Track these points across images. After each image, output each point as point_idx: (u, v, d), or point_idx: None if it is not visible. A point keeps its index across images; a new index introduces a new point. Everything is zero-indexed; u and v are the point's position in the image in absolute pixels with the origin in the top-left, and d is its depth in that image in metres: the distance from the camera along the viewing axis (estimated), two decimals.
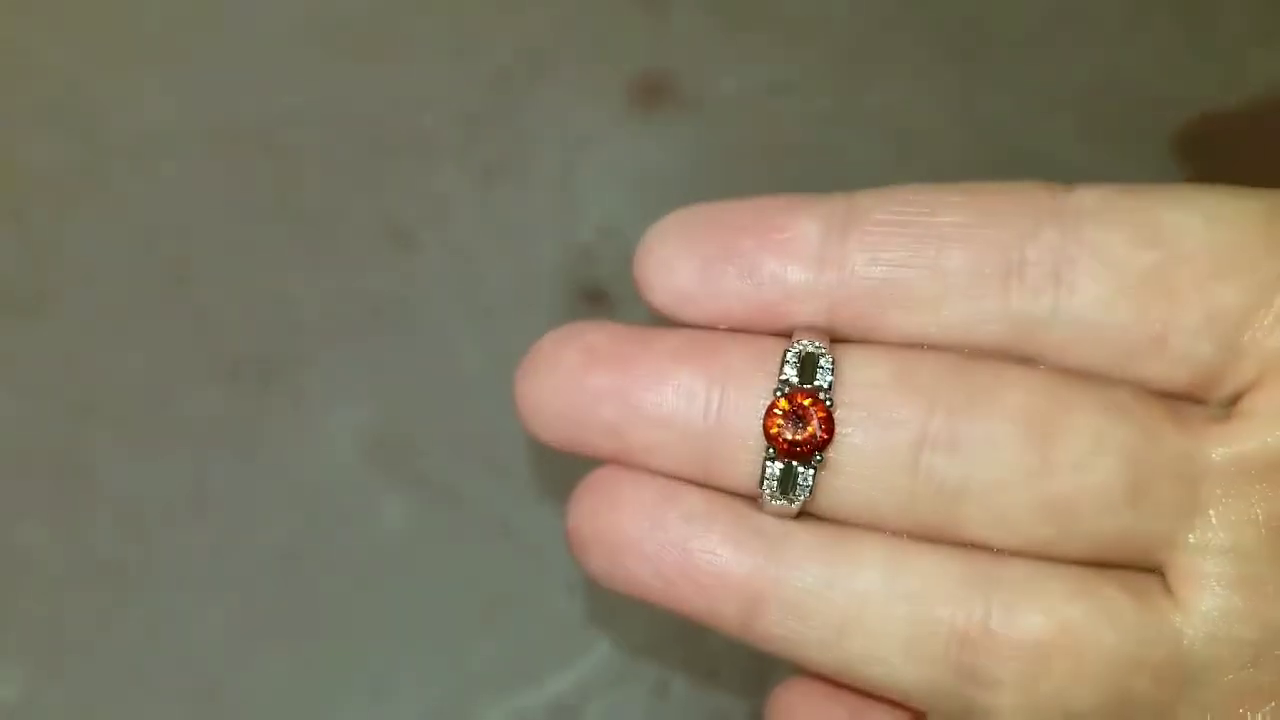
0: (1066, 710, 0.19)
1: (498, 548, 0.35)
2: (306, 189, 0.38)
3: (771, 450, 0.19)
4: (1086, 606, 0.19)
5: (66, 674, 0.33)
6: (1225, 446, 0.19)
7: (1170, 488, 0.19)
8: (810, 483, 0.19)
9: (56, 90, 0.39)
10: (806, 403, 0.19)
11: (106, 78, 0.39)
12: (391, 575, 0.35)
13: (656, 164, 0.39)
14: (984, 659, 0.19)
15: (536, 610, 0.34)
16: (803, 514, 0.20)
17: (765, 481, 0.19)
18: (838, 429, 0.19)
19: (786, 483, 0.19)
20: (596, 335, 0.20)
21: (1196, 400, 0.20)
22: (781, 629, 0.20)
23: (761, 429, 0.19)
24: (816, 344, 0.19)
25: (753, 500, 0.20)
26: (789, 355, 0.19)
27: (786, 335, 0.20)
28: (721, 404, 0.20)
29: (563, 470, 0.35)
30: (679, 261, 0.20)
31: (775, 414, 0.19)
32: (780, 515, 0.20)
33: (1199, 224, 0.19)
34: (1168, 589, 0.19)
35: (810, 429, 0.19)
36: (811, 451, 0.19)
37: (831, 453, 0.19)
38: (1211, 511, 0.19)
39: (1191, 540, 0.19)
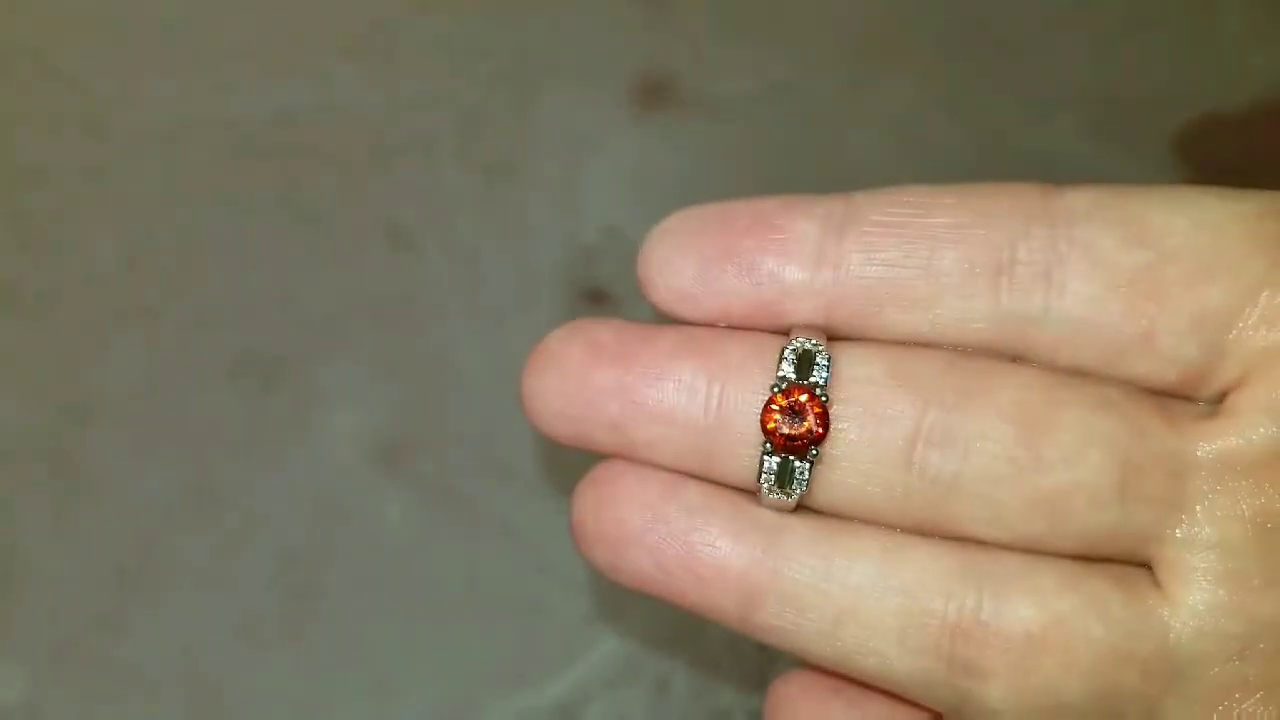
0: (1056, 701, 0.19)
1: (499, 548, 0.35)
2: (307, 189, 0.38)
3: (768, 445, 0.19)
4: (1076, 600, 0.19)
5: (66, 674, 0.33)
6: (1211, 443, 0.19)
7: (1158, 483, 0.19)
8: (806, 477, 0.20)
9: (57, 90, 0.39)
10: (803, 399, 0.19)
11: (106, 78, 0.39)
12: (392, 575, 0.35)
13: (657, 164, 0.39)
14: (975, 651, 0.19)
15: (537, 610, 0.34)
16: (800, 508, 0.20)
17: (763, 476, 0.20)
18: (833, 424, 0.19)
19: (783, 477, 0.20)
20: (601, 332, 0.20)
21: (1185, 398, 0.20)
22: (779, 620, 0.20)
23: (759, 425, 0.19)
24: (813, 341, 0.20)
25: (752, 494, 0.20)
26: (786, 352, 0.20)
27: (785, 333, 0.20)
28: (721, 400, 0.20)
29: (564, 470, 0.35)
30: (680, 261, 0.20)
31: (772, 410, 0.19)
32: (778, 509, 0.20)
33: (1187, 225, 0.19)
34: (1156, 583, 0.20)
35: (806, 425, 0.19)
36: (807, 446, 0.19)
37: (827, 448, 0.20)
38: (1198, 507, 0.19)
39: (1179, 535, 0.19)
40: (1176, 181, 0.38)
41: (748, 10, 0.41)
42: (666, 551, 0.20)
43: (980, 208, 0.20)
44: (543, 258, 0.38)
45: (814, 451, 0.19)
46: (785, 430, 0.19)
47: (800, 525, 0.20)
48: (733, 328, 0.21)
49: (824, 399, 0.19)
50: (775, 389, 0.19)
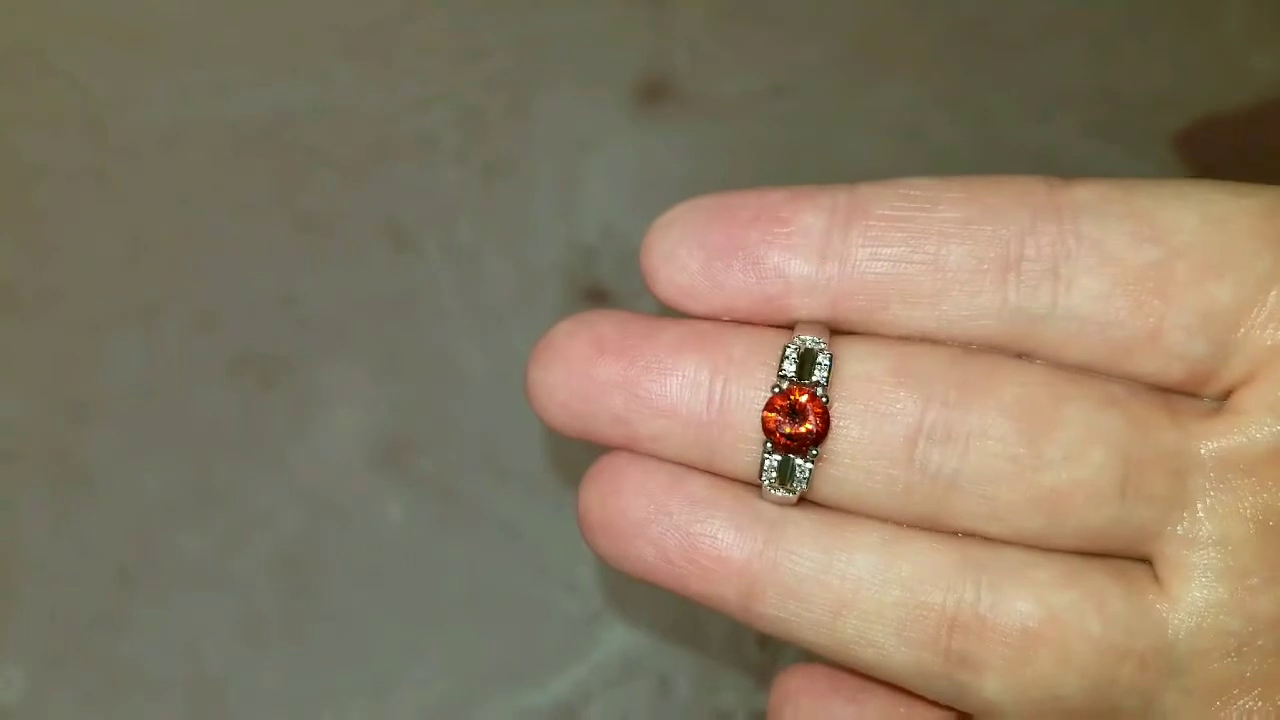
0: (1053, 695, 0.19)
1: (498, 547, 0.35)
2: (307, 189, 0.38)
3: (769, 444, 0.20)
4: (1074, 595, 0.19)
5: (66, 674, 0.33)
6: (1215, 441, 0.19)
7: (1160, 480, 0.19)
8: (807, 474, 0.20)
9: (57, 90, 0.39)
10: (803, 399, 0.19)
11: (107, 78, 0.39)
12: (392, 575, 0.35)
13: (658, 164, 0.39)
14: (973, 644, 0.19)
15: (538, 610, 0.34)
16: (802, 501, 0.20)
17: (764, 473, 0.20)
18: (835, 421, 0.20)
19: (785, 474, 0.20)
20: (606, 325, 0.21)
21: (1191, 395, 0.20)
22: (779, 611, 0.20)
23: (760, 423, 0.20)
24: (816, 339, 0.20)
25: (755, 486, 0.20)
26: (788, 351, 0.20)
27: (789, 327, 0.20)
28: (724, 395, 0.20)
29: (564, 469, 0.35)
30: (684, 254, 0.20)
31: (773, 410, 0.19)
32: (780, 504, 0.20)
33: (1195, 221, 0.19)
34: (1155, 579, 0.20)
35: (807, 424, 0.19)
36: (808, 446, 0.19)
37: (829, 444, 0.20)
38: (1199, 504, 0.19)
39: (1180, 532, 0.19)
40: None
41: (748, 10, 0.41)
42: (670, 542, 0.20)
43: (987, 202, 0.20)
44: (542, 257, 0.38)
45: (814, 451, 0.19)
46: (786, 430, 0.19)
47: (802, 518, 0.20)
48: (737, 322, 0.21)
49: (825, 399, 0.19)
50: (776, 389, 0.19)
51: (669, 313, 0.21)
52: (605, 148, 0.39)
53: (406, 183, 0.38)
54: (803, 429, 0.19)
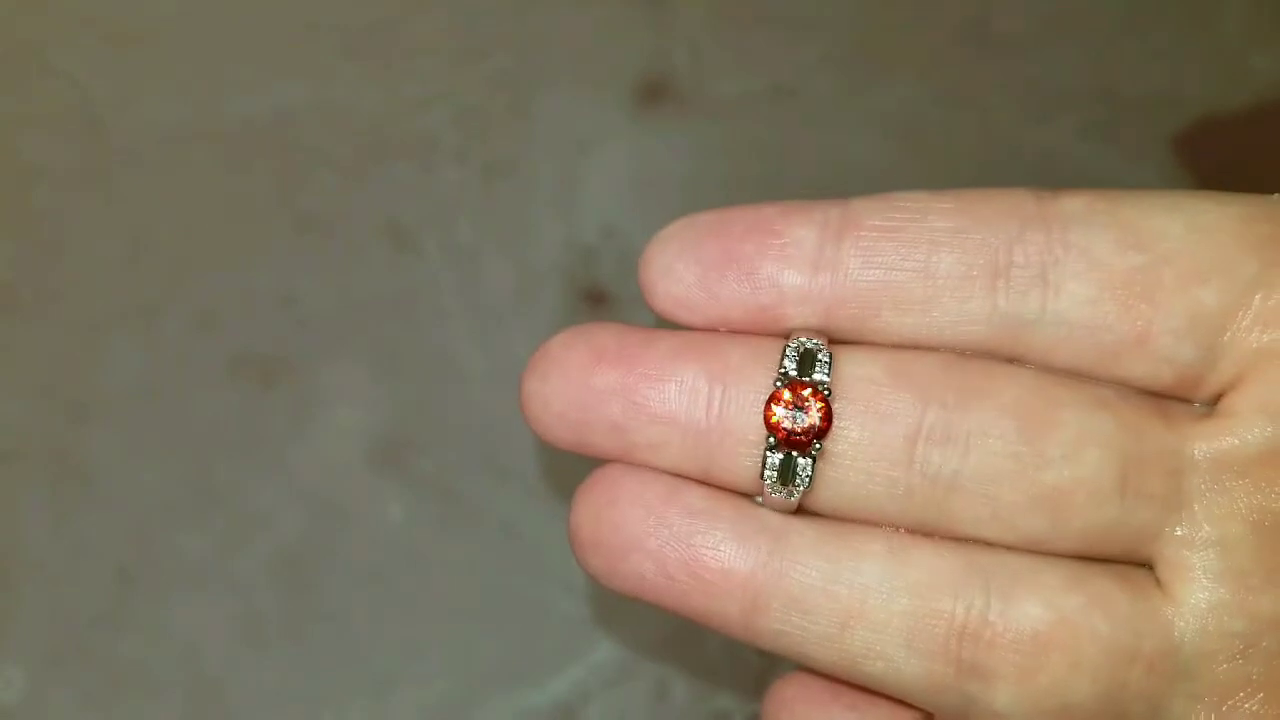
0: (1063, 702, 0.19)
1: (498, 548, 0.35)
2: (307, 189, 0.38)
3: (772, 440, 0.19)
4: (1082, 598, 0.19)
5: (66, 674, 0.33)
6: (1208, 443, 0.19)
7: (1157, 482, 0.19)
8: (809, 473, 0.20)
9: (57, 90, 0.39)
10: (806, 393, 0.19)
11: (106, 77, 0.39)
12: (392, 575, 0.35)
13: (657, 164, 0.39)
14: (983, 652, 0.19)
15: (537, 610, 0.34)
16: (802, 510, 0.20)
17: (765, 473, 0.20)
18: (835, 422, 0.20)
19: (786, 474, 0.20)
20: (603, 335, 0.21)
21: (1181, 399, 0.20)
22: (784, 625, 0.20)
23: (762, 421, 0.20)
24: (815, 340, 0.20)
25: (753, 497, 0.20)
26: (789, 349, 0.20)
27: (784, 337, 0.20)
28: (722, 401, 0.20)
29: (564, 471, 0.35)
30: (680, 268, 0.20)
31: (775, 404, 0.19)
32: (780, 508, 0.20)
33: (1181, 228, 0.19)
34: (1158, 582, 0.20)
35: (810, 419, 0.19)
36: (810, 441, 0.19)
37: (829, 445, 0.20)
38: (1197, 505, 0.19)
39: (1179, 533, 0.19)
40: (1177, 181, 0.38)
41: (747, 10, 0.41)
42: (669, 556, 0.20)
43: (976, 212, 0.20)
44: (542, 257, 0.38)
45: (817, 446, 0.19)
46: (788, 425, 0.19)
47: (805, 527, 0.20)
48: (734, 332, 0.21)
49: (827, 394, 0.19)
50: (778, 383, 0.20)
51: (668, 325, 0.21)
52: (605, 148, 0.39)
53: (406, 183, 0.38)
54: (805, 424, 0.19)
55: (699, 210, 0.21)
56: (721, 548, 0.20)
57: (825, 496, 0.20)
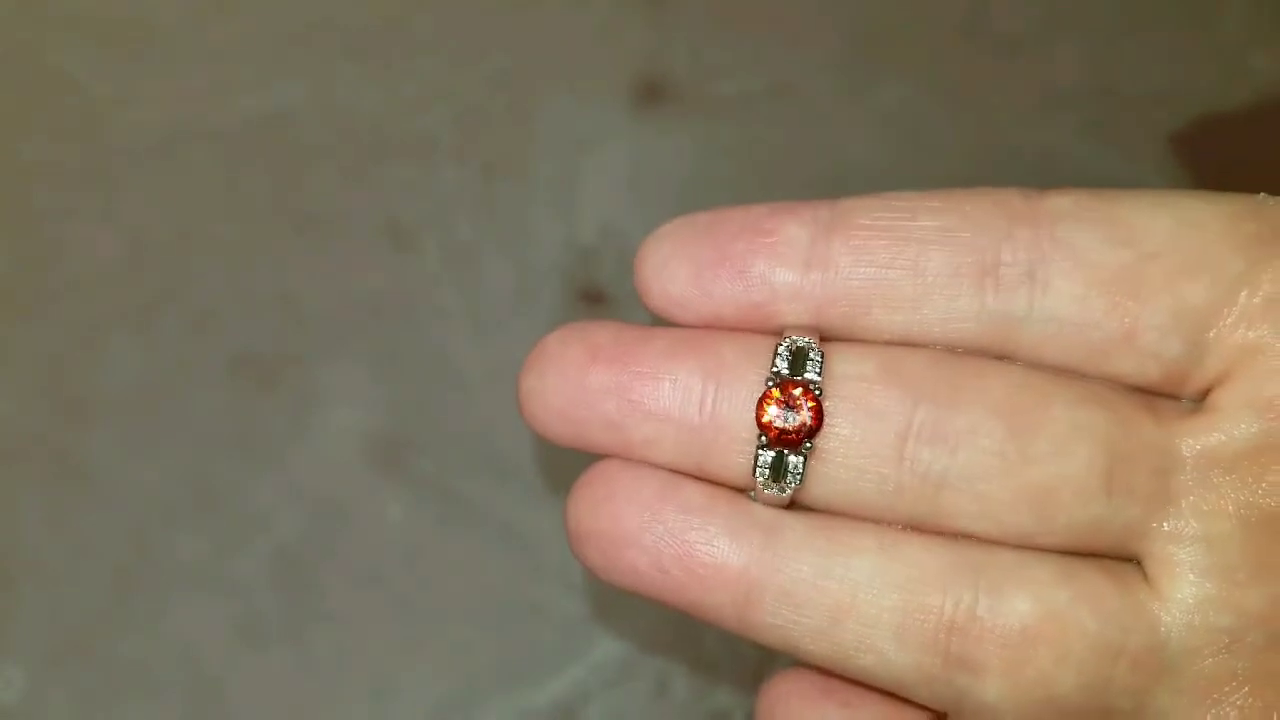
0: (1049, 694, 0.19)
1: (498, 548, 0.35)
2: (307, 189, 0.38)
3: (764, 438, 0.20)
4: (1070, 592, 0.19)
5: (66, 674, 0.33)
6: (1195, 439, 0.20)
7: (1144, 478, 0.20)
8: (801, 470, 0.20)
9: (57, 90, 0.39)
10: (797, 392, 0.20)
11: (105, 77, 0.39)
12: (391, 575, 0.35)
13: (656, 164, 0.39)
14: (972, 645, 0.20)
15: (537, 610, 0.34)
16: (795, 505, 0.20)
17: (758, 470, 0.20)
18: (826, 420, 0.20)
19: (778, 471, 0.20)
20: (599, 333, 0.21)
21: (1169, 395, 0.20)
22: (776, 618, 0.20)
23: (754, 419, 0.20)
24: (806, 339, 0.20)
25: (747, 492, 0.21)
26: (780, 349, 0.20)
27: (777, 334, 0.21)
28: (716, 397, 0.20)
29: (563, 470, 0.35)
30: (674, 267, 0.21)
31: (767, 403, 0.20)
32: (772, 504, 0.20)
33: (1168, 225, 0.20)
34: (1145, 577, 0.20)
35: (801, 418, 0.19)
36: (801, 439, 0.20)
37: (821, 443, 0.20)
38: (1184, 501, 0.20)
39: (1165, 529, 0.20)
40: (1175, 180, 0.38)
41: (746, 10, 0.41)
42: (664, 550, 0.20)
43: (965, 211, 0.20)
44: (541, 257, 0.38)
45: (808, 444, 0.20)
46: (780, 424, 0.19)
47: (797, 522, 0.20)
48: (728, 329, 0.21)
49: (818, 393, 0.20)
50: (770, 383, 0.20)
51: (663, 324, 0.21)
52: (604, 148, 0.39)
53: (406, 182, 0.38)
54: (796, 422, 0.19)
55: (698, 210, 0.21)
56: (715, 543, 0.20)
57: (817, 492, 0.20)
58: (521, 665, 0.34)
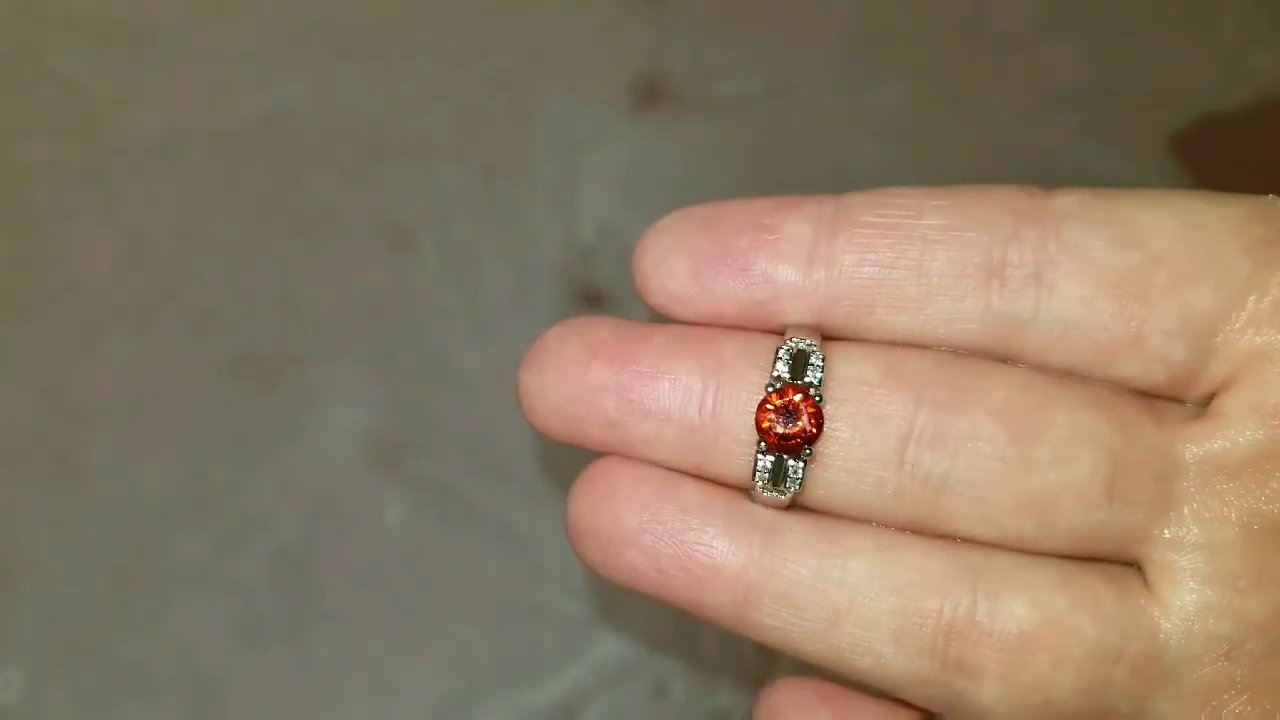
0: (1047, 699, 0.19)
1: (497, 547, 0.35)
2: (306, 189, 0.38)
3: (763, 444, 0.20)
4: (1069, 598, 0.19)
5: (66, 674, 0.33)
6: (1199, 445, 0.19)
7: (1146, 483, 0.19)
8: (800, 475, 0.20)
9: (56, 90, 0.39)
10: (797, 398, 0.19)
11: (104, 78, 0.39)
12: (391, 575, 0.35)
13: (655, 164, 0.39)
14: (970, 650, 0.19)
15: (536, 610, 0.34)
16: (795, 506, 0.20)
17: (757, 474, 0.20)
18: (827, 424, 0.20)
19: (777, 475, 0.20)
20: (598, 329, 0.21)
21: (1174, 399, 0.20)
22: (774, 620, 0.20)
23: (754, 423, 0.20)
24: (808, 341, 0.20)
25: (747, 491, 0.20)
26: (781, 352, 0.20)
27: (779, 333, 0.20)
28: (716, 399, 0.20)
29: (563, 471, 0.35)
30: (674, 262, 0.20)
31: (767, 409, 0.19)
32: (772, 506, 0.20)
33: (1175, 228, 0.19)
34: (1145, 583, 0.20)
35: (800, 424, 0.19)
36: (801, 445, 0.19)
37: (821, 446, 0.20)
38: (1186, 508, 0.19)
39: (1167, 536, 0.19)
40: (1176, 180, 0.38)
41: (746, 10, 0.41)
42: (662, 551, 0.20)
43: (971, 210, 0.20)
44: (541, 258, 0.38)
45: (808, 450, 0.19)
46: (779, 429, 0.19)
47: (797, 524, 0.20)
48: (728, 327, 0.21)
49: (818, 399, 0.19)
50: (770, 388, 0.20)
51: (662, 320, 0.21)
52: (603, 148, 0.39)
53: (405, 183, 0.38)
54: (796, 429, 0.19)
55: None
56: (714, 544, 0.20)
57: (817, 494, 0.20)
58: (521, 665, 0.34)
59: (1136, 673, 0.19)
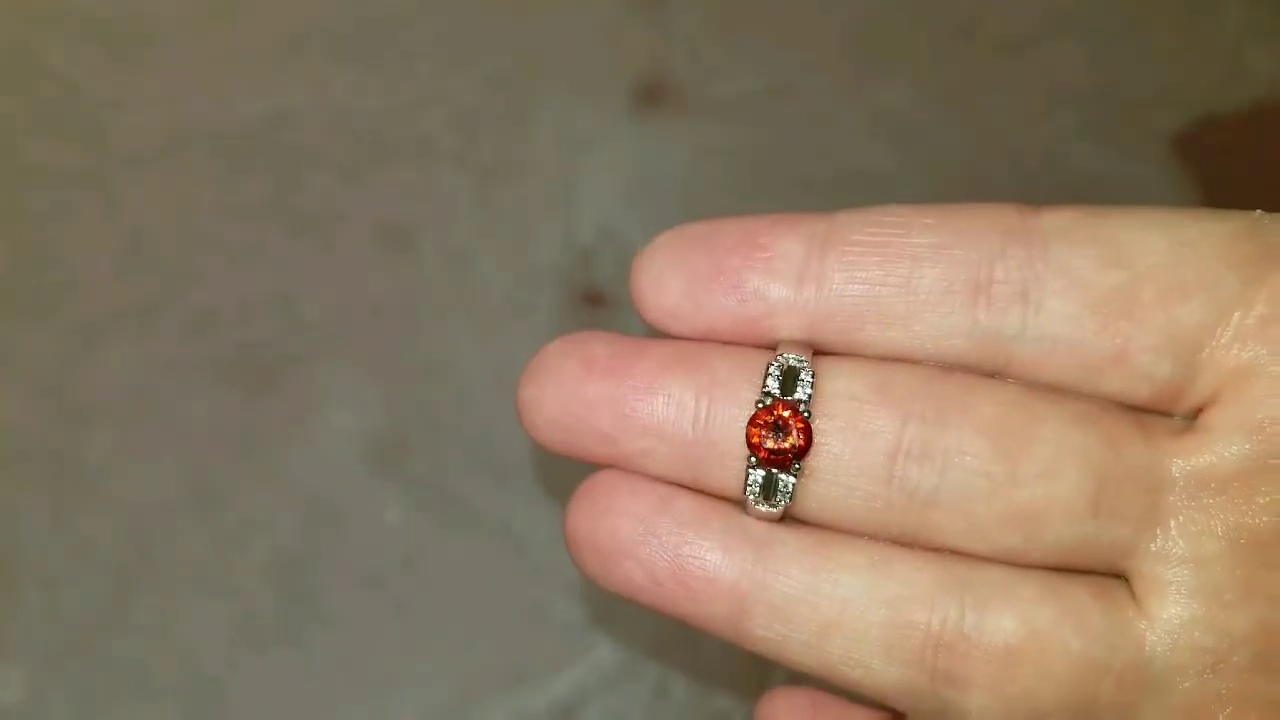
0: (1033, 711, 0.20)
1: (497, 549, 0.35)
2: (305, 190, 0.38)
3: (754, 458, 0.20)
4: (1055, 611, 0.20)
5: (66, 674, 0.34)
6: (1186, 460, 0.19)
7: (1133, 498, 0.19)
8: (791, 489, 0.20)
9: (56, 92, 0.39)
10: (786, 414, 0.20)
11: (105, 79, 0.39)
12: (390, 577, 0.35)
13: (655, 165, 0.39)
14: (957, 662, 0.20)
15: (536, 612, 0.35)
16: (788, 519, 0.21)
17: (748, 487, 0.20)
18: (817, 439, 0.20)
19: (769, 489, 0.20)
20: (595, 345, 0.21)
21: (1162, 412, 0.20)
22: (767, 631, 0.20)
23: (745, 439, 0.20)
24: (798, 358, 0.20)
25: (740, 503, 0.21)
26: (772, 368, 0.20)
27: (772, 348, 0.21)
28: (709, 414, 0.20)
29: (562, 472, 0.35)
30: (669, 280, 0.21)
31: (757, 425, 0.20)
32: (764, 519, 0.21)
33: (1164, 244, 0.19)
34: (1132, 596, 0.20)
35: (790, 440, 0.20)
36: (791, 460, 0.20)
37: (811, 461, 0.20)
38: (1173, 522, 0.19)
39: (1153, 549, 0.20)
40: (1175, 181, 0.38)
41: (745, 11, 0.41)
42: (658, 563, 0.20)
43: (959, 227, 0.20)
44: (540, 259, 0.38)
45: (797, 465, 0.20)
46: (769, 445, 0.20)
47: (789, 537, 0.20)
48: (722, 342, 0.21)
49: (807, 415, 0.20)
50: (760, 404, 0.20)
51: (659, 334, 0.21)
52: (603, 149, 0.39)
53: (404, 185, 0.38)
54: (786, 444, 0.20)
55: (697, 211, 0.21)
56: (707, 557, 0.20)
57: (808, 507, 0.20)
58: (521, 667, 0.34)
59: (1123, 685, 0.19)
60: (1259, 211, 0.20)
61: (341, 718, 0.34)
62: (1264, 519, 0.19)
